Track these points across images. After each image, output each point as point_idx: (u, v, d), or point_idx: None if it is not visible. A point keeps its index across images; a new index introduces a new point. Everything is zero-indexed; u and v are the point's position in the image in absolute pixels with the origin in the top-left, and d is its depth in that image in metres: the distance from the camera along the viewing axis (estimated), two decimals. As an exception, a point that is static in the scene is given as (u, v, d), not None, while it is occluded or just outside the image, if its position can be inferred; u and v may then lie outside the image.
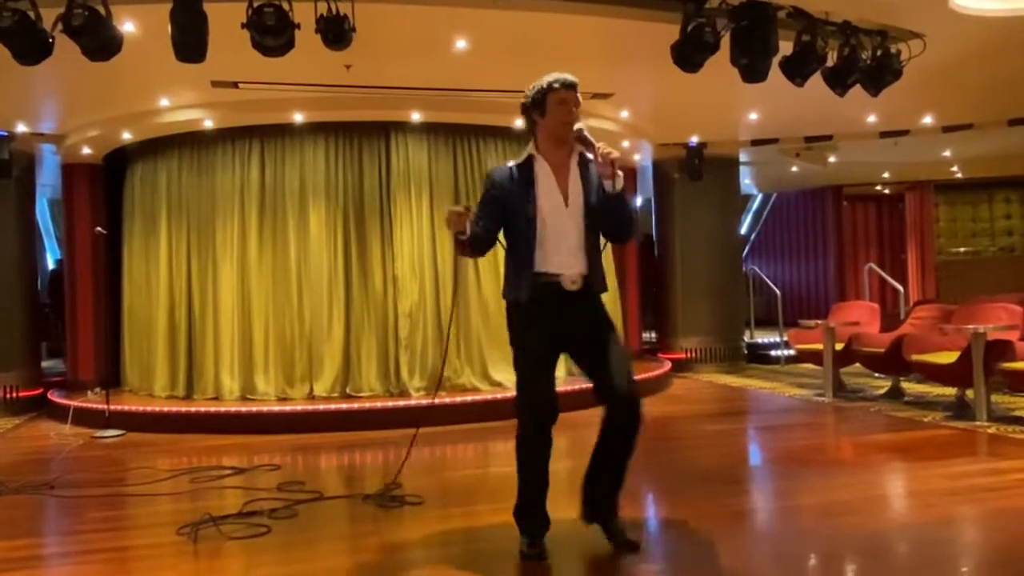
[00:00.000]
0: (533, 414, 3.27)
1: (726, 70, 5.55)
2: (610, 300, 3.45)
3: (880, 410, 6.90)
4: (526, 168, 3.38)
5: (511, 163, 3.44)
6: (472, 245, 3.33)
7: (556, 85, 3.35)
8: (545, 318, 3.29)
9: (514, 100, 8.03)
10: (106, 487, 4.94)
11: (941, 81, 7.39)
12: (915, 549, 3.43)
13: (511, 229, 3.39)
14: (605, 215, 3.33)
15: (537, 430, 3.28)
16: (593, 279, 3.34)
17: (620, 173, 3.24)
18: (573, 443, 6.04)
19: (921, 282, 13.76)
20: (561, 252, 3.29)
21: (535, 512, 3.36)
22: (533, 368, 3.30)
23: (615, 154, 3.22)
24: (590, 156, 3.33)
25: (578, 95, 3.38)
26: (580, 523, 3.44)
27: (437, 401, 7.12)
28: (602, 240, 3.43)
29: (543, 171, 3.37)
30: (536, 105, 3.39)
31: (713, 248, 10.37)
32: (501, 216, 3.38)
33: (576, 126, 3.33)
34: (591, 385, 3.35)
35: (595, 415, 3.34)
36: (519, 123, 8.04)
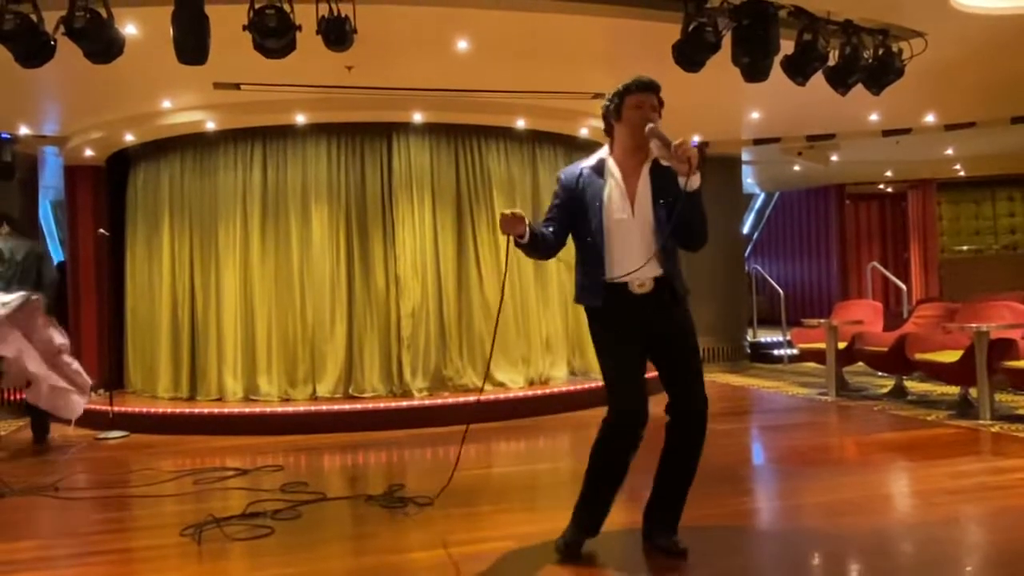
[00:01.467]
0: (618, 421, 3.22)
1: (728, 69, 5.55)
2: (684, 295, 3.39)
3: (883, 409, 6.90)
4: (596, 172, 3.31)
5: (582, 165, 3.37)
6: (532, 248, 3.27)
7: (633, 88, 3.26)
8: (622, 322, 3.23)
9: (516, 101, 8.08)
10: (110, 488, 4.95)
11: (943, 79, 7.38)
12: (920, 548, 3.42)
13: (578, 234, 3.32)
14: (678, 219, 3.19)
15: (618, 436, 3.23)
16: (668, 283, 3.24)
17: (697, 172, 3.11)
18: (575, 443, 6.05)
19: (924, 280, 13.76)
20: (629, 259, 3.20)
21: (587, 514, 3.32)
22: (617, 375, 3.24)
23: (693, 151, 3.10)
24: (664, 162, 3.24)
25: (658, 98, 3.27)
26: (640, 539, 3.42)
27: (440, 401, 7.17)
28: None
29: (613, 177, 3.28)
30: (613, 110, 3.31)
31: (716, 247, 10.21)
32: (569, 221, 3.33)
33: (648, 125, 3.21)
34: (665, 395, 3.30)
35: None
36: (521, 123, 8.11)
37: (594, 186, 3.29)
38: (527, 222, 3.17)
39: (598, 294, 3.25)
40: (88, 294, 8.87)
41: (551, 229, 3.33)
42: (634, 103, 3.25)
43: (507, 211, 3.17)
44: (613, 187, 3.27)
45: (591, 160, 3.36)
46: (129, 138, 8.14)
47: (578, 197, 3.30)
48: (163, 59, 5.01)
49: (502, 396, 7.32)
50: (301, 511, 4.21)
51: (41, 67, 4.80)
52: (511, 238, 3.22)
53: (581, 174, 3.34)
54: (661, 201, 3.22)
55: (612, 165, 3.31)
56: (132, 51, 5.01)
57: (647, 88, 3.26)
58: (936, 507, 3.99)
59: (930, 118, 9.21)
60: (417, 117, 7.69)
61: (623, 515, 3.59)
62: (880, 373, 8.23)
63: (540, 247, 3.31)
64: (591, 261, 3.27)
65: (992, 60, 6.91)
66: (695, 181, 3.12)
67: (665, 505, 3.38)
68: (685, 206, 3.14)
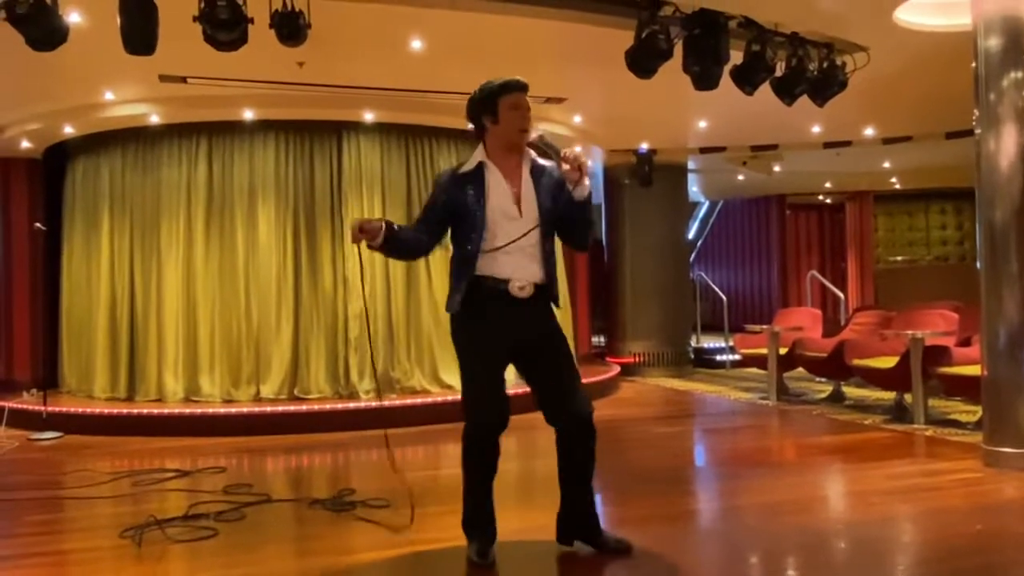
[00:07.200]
0: (479, 428, 3.17)
1: (678, 78, 5.64)
2: (561, 304, 3.37)
3: (822, 413, 7.07)
4: (476, 176, 3.19)
5: (461, 168, 3.24)
6: (391, 250, 3.17)
7: (510, 87, 3.19)
8: (493, 325, 3.14)
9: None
10: (44, 490, 4.79)
11: (883, 93, 7.62)
12: (856, 546, 3.51)
13: (459, 239, 3.19)
14: (565, 222, 3.20)
15: (483, 442, 3.18)
16: (548, 289, 3.21)
17: (587, 180, 3.10)
18: (522, 446, 6.06)
19: (860, 289, 14.14)
20: (514, 262, 3.13)
21: (483, 521, 3.26)
22: (480, 378, 3.16)
23: (584, 159, 3.08)
24: (544, 163, 3.24)
25: (527, 98, 3.20)
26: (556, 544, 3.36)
27: (387, 404, 7.11)
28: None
29: (495, 180, 3.18)
30: (486, 109, 3.20)
31: (661, 254, 10.52)
32: (444, 224, 3.23)
33: (534, 134, 3.18)
34: (538, 403, 3.25)
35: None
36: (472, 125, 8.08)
37: (476, 190, 3.16)
38: (383, 227, 3.07)
39: (472, 295, 3.14)
40: (22, 290, 8.59)
41: (421, 229, 3.23)
42: (511, 103, 3.17)
43: (357, 221, 3.07)
44: (497, 190, 3.17)
45: (470, 164, 3.23)
46: (68, 130, 7.89)
47: (460, 200, 3.16)
48: (108, 49, 4.88)
49: (449, 398, 7.29)
50: (245, 513, 4.13)
51: (-22, 53, 4.64)
52: (362, 244, 3.09)
53: (463, 177, 3.20)
54: (547, 203, 3.17)
55: (493, 168, 3.20)
56: (76, 39, 4.85)
57: (523, 88, 3.19)
58: (872, 507, 4.11)
59: (869, 131, 9.49)
60: (368, 116, 7.63)
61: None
62: (819, 378, 8.43)
63: (401, 249, 3.24)
64: (472, 265, 3.14)
65: (930, 76, 7.15)
66: (585, 190, 3.10)
67: (581, 511, 3.32)
68: (574, 213, 3.15)
